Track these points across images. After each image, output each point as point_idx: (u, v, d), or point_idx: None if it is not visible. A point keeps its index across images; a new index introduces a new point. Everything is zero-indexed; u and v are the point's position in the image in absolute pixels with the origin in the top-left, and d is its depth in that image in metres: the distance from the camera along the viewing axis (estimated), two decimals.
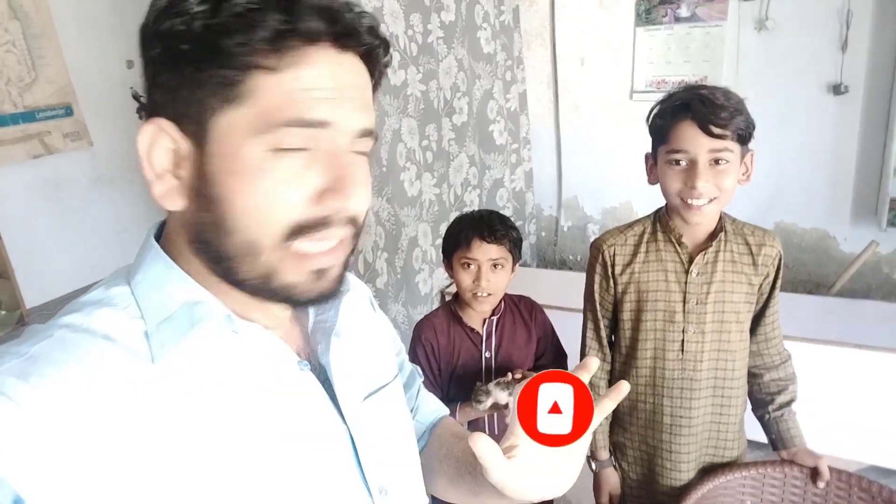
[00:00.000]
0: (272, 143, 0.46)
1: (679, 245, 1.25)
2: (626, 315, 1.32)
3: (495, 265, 1.39)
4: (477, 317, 1.46)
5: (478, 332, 1.47)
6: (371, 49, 0.51)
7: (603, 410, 0.58)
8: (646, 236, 1.29)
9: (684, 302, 1.25)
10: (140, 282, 0.51)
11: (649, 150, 1.26)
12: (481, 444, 0.53)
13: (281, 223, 0.47)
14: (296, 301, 0.52)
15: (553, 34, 3.30)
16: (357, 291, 0.71)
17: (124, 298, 0.50)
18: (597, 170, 3.40)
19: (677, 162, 1.14)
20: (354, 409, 0.59)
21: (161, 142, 0.48)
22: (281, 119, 0.46)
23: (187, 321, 0.49)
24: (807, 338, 2.18)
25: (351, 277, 0.69)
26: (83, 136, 2.63)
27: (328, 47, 0.48)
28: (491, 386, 1.37)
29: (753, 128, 1.15)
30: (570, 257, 3.63)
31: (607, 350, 1.39)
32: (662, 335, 1.27)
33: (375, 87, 0.55)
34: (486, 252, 1.37)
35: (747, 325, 1.28)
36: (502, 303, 1.47)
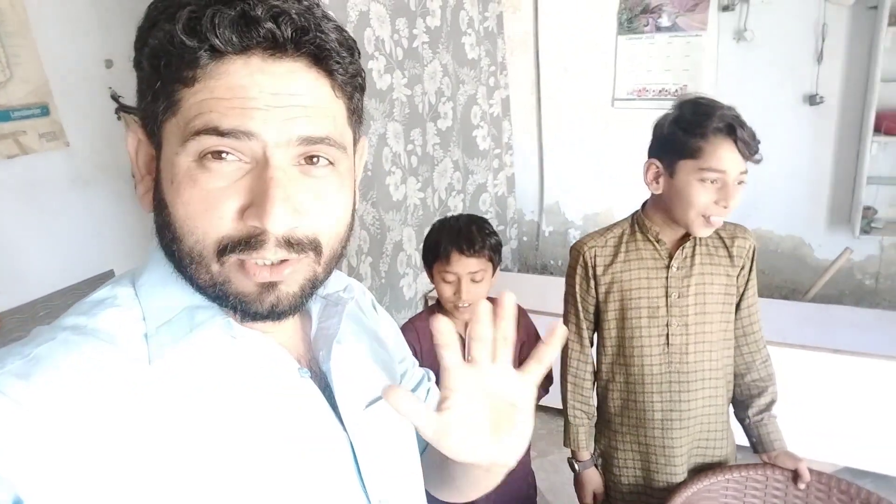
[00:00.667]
0: (195, 152, 0.46)
1: (658, 243, 1.29)
2: (611, 315, 1.35)
3: (475, 277, 1.39)
4: (460, 321, 1.47)
5: (461, 336, 1.47)
6: (318, 56, 0.48)
7: (542, 357, 0.56)
8: (625, 237, 1.33)
9: (667, 296, 1.29)
10: (144, 284, 0.52)
11: (646, 157, 1.27)
12: (394, 396, 0.49)
13: (212, 236, 0.47)
14: (248, 313, 0.49)
15: (536, 41, 3.32)
16: (359, 299, 0.71)
17: (128, 300, 0.51)
18: (578, 176, 3.43)
19: (713, 181, 1.16)
20: (356, 417, 0.58)
21: (142, 147, 0.51)
22: (195, 126, 0.46)
23: (186, 325, 0.49)
24: (782, 342, 2.23)
25: (354, 283, 0.68)
26: (59, 136, 2.57)
27: (254, 56, 0.46)
28: None
29: None
30: (552, 262, 3.65)
31: (588, 350, 1.42)
32: (648, 331, 1.31)
33: (351, 95, 0.52)
34: (465, 266, 1.37)
35: (730, 316, 1.32)
36: None
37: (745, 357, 1.37)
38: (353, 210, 0.56)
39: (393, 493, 0.60)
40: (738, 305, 1.33)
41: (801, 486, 1.31)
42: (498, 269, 1.46)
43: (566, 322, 1.41)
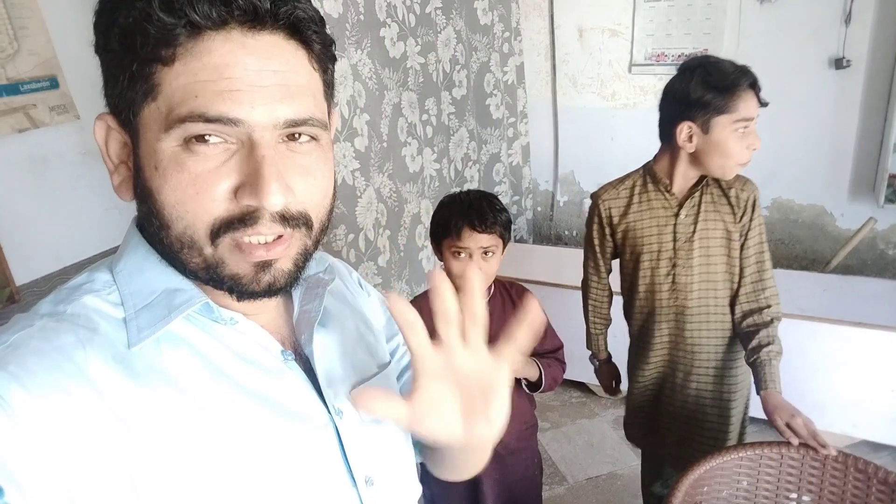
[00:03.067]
0: (180, 137, 0.45)
1: (668, 193, 1.46)
2: (626, 257, 1.55)
3: (486, 252, 1.37)
4: None
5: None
6: (294, 27, 0.47)
7: (516, 338, 0.55)
8: (637, 188, 1.51)
9: (674, 241, 1.46)
10: (122, 269, 0.52)
11: (671, 121, 1.38)
12: (364, 400, 0.47)
13: (204, 219, 0.46)
14: (244, 293, 0.50)
15: (551, 4, 3.22)
16: (344, 279, 0.70)
17: (106, 285, 0.51)
18: (594, 144, 3.36)
19: (743, 128, 1.31)
20: (339, 399, 0.58)
21: (112, 134, 0.49)
22: (181, 114, 0.44)
23: (165, 308, 0.49)
24: (801, 314, 2.20)
25: (337, 263, 0.68)
26: (69, 109, 2.55)
27: (233, 30, 0.45)
28: None
29: None
30: (566, 232, 3.61)
31: (606, 280, 1.67)
32: (657, 271, 1.50)
33: (325, 67, 0.52)
34: (476, 241, 1.34)
35: (734, 259, 1.46)
36: (493, 286, 1.46)
37: (748, 296, 1.47)
38: (335, 183, 0.56)
39: (379, 471, 0.60)
40: (743, 247, 1.45)
41: (795, 441, 1.28)
42: (507, 245, 1.44)
43: (586, 262, 1.66)
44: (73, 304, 0.48)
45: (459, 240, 1.34)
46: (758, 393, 1.39)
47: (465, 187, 2.94)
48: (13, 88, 2.33)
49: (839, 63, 2.66)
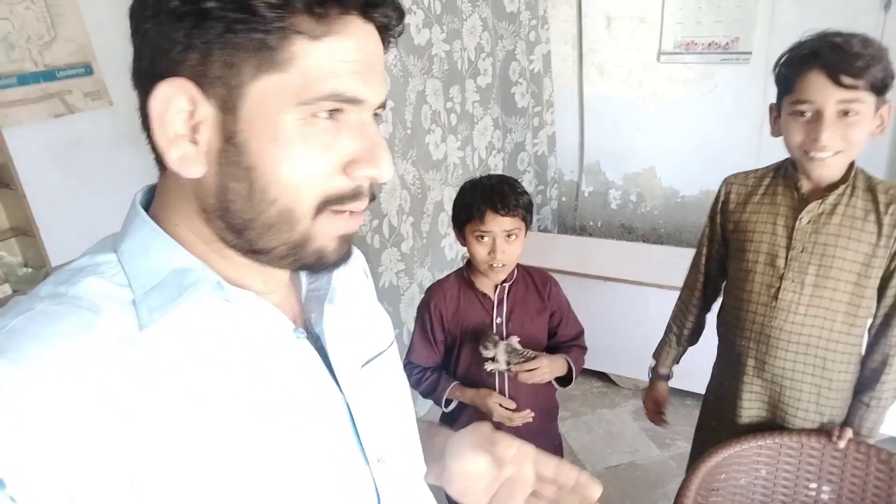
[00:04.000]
0: (308, 112, 0.45)
1: (796, 190, 1.22)
2: (733, 252, 1.34)
3: (509, 235, 1.37)
4: (489, 283, 1.46)
5: (489, 298, 1.46)
6: (390, 22, 0.50)
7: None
8: (766, 180, 1.28)
9: (788, 248, 1.22)
10: (127, 249, 0.49)
11: (773, 101, 1.22)
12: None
13: (314, 193, 0.47)
14: (320, 266, 0.52)
15: None
16: (353, 257, 0.71)
17: (111, 266, 0.48)
18: (620, 134, 3.33)
19: (802, 113, 1.11)
20: (351, 377, 0.58)
21: (176, 103, 0.45)
22: (322, 91, 0.45)
23: (176, 288, 0.47)
24: None
25: None
26: (103, 95, 2.60)
27: (358, 17, 0.47)
28: (501, 345, 1.38)
29: (893, 77, 1.09)
30: (591, 223, 3.59)
31: (700, 284, 1.46)
32: (760, 278, 1.26)
33: None
34: (500, 224, 1.35)
35: (868, 292, 1.21)
36: (515, 270, 1.46)
37: (881, 345, 1.25)
38: None
39: (390, 450, 0.60)
40: (886, 282, 1.20)
41: (841, 444, 1.26)
42: (529, 228, 1.44)
43: (697, 246, 1.45)
44: (75, 286, 0.46)
45: (483, 223, 1.35)
46: (844, 423, 1.29)
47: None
48: (50, 75, 2.40)
49: None
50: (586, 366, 2.72)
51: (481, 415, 1.47)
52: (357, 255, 0.72)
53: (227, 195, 0.47)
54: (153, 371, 0.45)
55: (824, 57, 1.06)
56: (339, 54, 0.45)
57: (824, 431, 1.29)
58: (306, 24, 0.44)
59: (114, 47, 2.71)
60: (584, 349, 1.56)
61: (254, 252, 0.49)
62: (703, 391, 1.54)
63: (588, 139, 3.44)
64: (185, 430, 0.45)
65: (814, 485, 1.35)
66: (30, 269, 2.21)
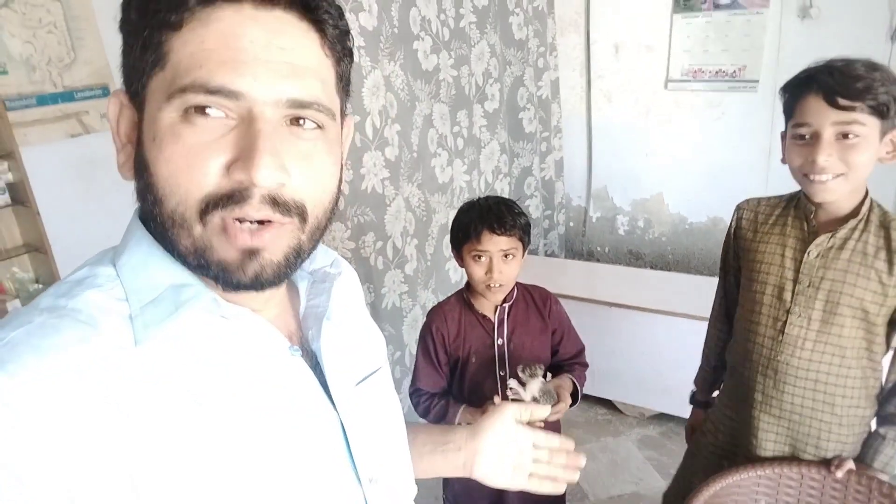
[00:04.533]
0: (180, 108, 0.44)
1: (807, 222, 1.19)
2: (742, 282, 1.33)
3: (506, 255, 1.37)
4: (489, 305, 1.45)
5: (490, 320, 1.45)
6: (307, 6, 0.47)
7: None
8: (778, 210, 1.27)
9: (795, 282, 1.20)
10: (125, 263, 0.49)
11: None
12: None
13: (194, 193, 0.45)
14: (230, 283, 0.48)
15: (588, 20, 3.24)
16: (348, 276, 0.69)
17: (109, 280, 0.48)
18: (628, 160, 3.34)
19: (802, 136, 1.10)
20: (346, 395, 0.57)
21: (124, 111, 0.48)
22: (182, 83, 0.44)
23: (172, 304, 0.47)
24: None
25: (342, 261, 0.67)
26: None
27: (245, 3, 0.45)
28: (538, 381, 1.34)
29: None
30: (598, 248, 3.59)
31: (724, 304, 1.45)
32: (767, 310, 1.24)
33: (341, 57, 0.52)
34: (496, 244, 1.35)
35: (879, 328, 1.17)
36: (515, 290, 1.46)
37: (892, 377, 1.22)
38: (339, 184, 0.54)
39: (382, 471, 0.60)
40: None
41: (839, 474, 1.23)
42: (527, 249, 1.44)
43: (719, 274, 1.46)
44: (74, 299, 0.46)
45: (479, 243, 1.35)
46: (857, 459, 1.25)
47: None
48: (68, 96, 2.46)
49: None
50: (591, 392, 2.72)
51: None
52: (352, 273, 0.72)
53: (140, 195, 0.48)
54: (153, 379, 0.45)
55: (820, 79, 1.06)
56: (204, 44, 0.44)
57: (824, 462, 1.27)
58: (173, 16, 0.44)
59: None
60: (585, 366, 1.55)
61: (180, 260, 0.48)
62: None
63: (596, 165, 3.46)
64: (185, 430, 0.45)
65: None
66: (40, 286, 2.25)
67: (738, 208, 1.34)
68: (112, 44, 2.61)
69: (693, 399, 1.59)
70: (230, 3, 0.44)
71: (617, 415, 2.75)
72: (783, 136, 1.20)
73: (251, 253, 0.47)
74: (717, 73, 2.96)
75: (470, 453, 0.79)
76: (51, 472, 0.39)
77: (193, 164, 0.44)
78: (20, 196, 2.08)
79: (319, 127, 0.49)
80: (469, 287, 1.48)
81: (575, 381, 1.47)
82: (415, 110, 2.22)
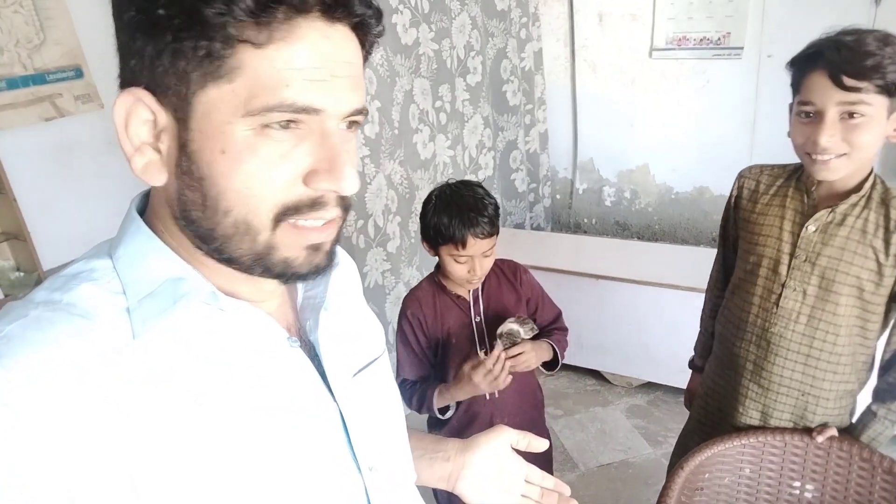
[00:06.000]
0: (260, 122, 0.44)
1: (807, 195, 1.18)
2: (739, 251, 1.31)
3: (487, 254, 1.36)
4: (465, 290, 1.44)
5: (464, 299, 1.44)
6: (364, 20, 0.48)
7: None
8: (780, 180, 1.24)
9: (792, 256, 1.19)
10: (122, 256, 0.49)
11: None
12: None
13: (270, 205, 0.46)
14: (291, 276, 0.50)
15: None
16: (345, 266, 0.70)
17: (106, 273, 0.48)
18: (613, 131, 3.32)
19: (807, 114, 1.07)
20: (344, 385, 0.58)
21: (139, 112, 0.45)
22: (269, 102, 0.43)
23: (170, 297, 0.47)
24: None
25: (339, 251, 0.67)
26: (94, 98, 2.61)
27: (317, 19, 0.44)
28: (503, 335, 1.37)
29: None
30: (585, 220, 3.59)
31: (722, 274, 1.44)
32: (763, 282, 1.23)
33: (366, 59, 0.52)
34: (480, 247, 1.33)
35: (875, 306, 1.16)
36: None
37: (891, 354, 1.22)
38: None
39: (382, 459, 0.61)
40: None
41: (819, 439, 1.25)
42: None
43: (718, 242, 1.45)
44: (69, 292, 0.46)
45: (464, 248, 1.32)
46: (847, 428, 1.27)
47: (480, 174, 2.94)
48: (40, 78, 2.40)
49: None
50: (580, 364, 2.75)
51: (471, 417, 1.46)
52: (350, 263, 0.72)
53: (186, 205, 0.47)
54: (152, 374, 0.45)
55: (827, 57, 1.01)
56: (289, 62, 0.43)
57: (807, 430, 1.29)
58: (250, 32, 0.42)
59: (104, 50, 2.71)
60: (565, 330, 1.55)
61: (226, 261, 0.48)
62: None
63: (581, 136, 3.44)
64: (185, 428, 0.45)
65: (797, 483, 1.34)
66: (22, 274, 2.23)
67: (740, 176, 1.31)
68: (83, 23, 2.54)
69: (691, 364, 1.60)
70: (305, 19, 0.44)
71: (605, 385, 2.78)
72: (791, 108, 1.16)
73: (316, 248, 0.50)
74: (701, 40, 2.93)
75: (457, 466, 0.77)
76: (51, 472, 0.39)
77: (272, 176, 0.45)
78: None
79: (357, 122, 0.51)
80: (439, 270, 1.46)
81: (553, 345, 1.47)
82: (395, 86, 2.19)
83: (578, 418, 2.59)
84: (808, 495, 1.34)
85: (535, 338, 1.46)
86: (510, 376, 1.34)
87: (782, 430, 1.31)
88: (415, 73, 2.30)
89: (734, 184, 1.32)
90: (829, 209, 1.14)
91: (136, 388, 0.44)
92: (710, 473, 1.35)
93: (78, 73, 2.49)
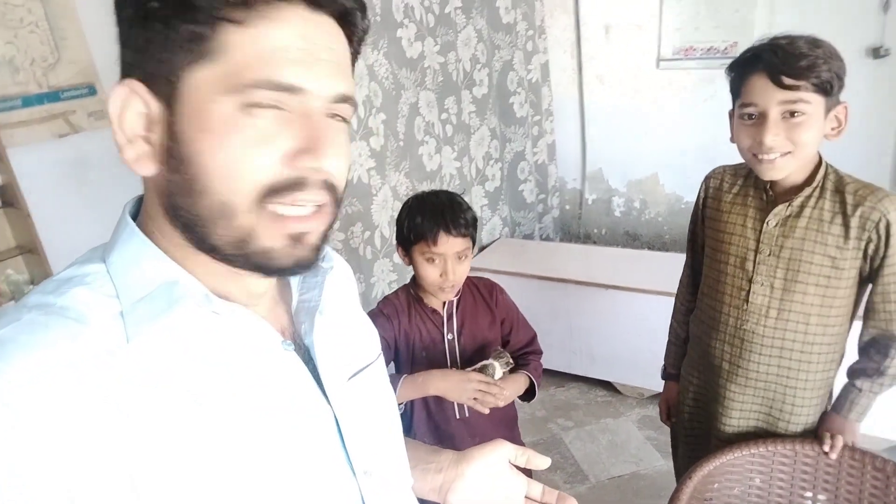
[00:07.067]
0: (242, 101, 0.44)
1: (765, 192, 1.21)
2: (706, 251, 1.34)
3: (460, 257, 1.33)
4: (439, 301, 1.41)
5: (439, 314, 1.41)
6: (346, 12, 0.49)
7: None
8: (740, 179, 1.28)
9: (756, 251, 1.22)
10: (115, 260, 0.49)
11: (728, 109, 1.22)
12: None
13: (252, 184, 0.46)
14: (271, 268, 0.49)
15: (576, 1, 3.20)
16: (341, 269, 0.69)
17: (99, 277, 0.48)
18: (622, 141, 3.32)
19: (750, 116, 1.11)
20: (339, 389, 0.57)
21: (133, 104, 0.46)
22: (251, 79, 0.44)
23: (164, 301, 0.47)
24: None
25: (335, 255, 0.66)
26: (106, 115, 2.65)
27: (299, 5, 0.46)
28: (500, 364, 1.35)
29: (841, 77, 1.08)
30: (595, 231, 3.57)
31: (693, 276, 1.45)
32: (731, 280, 1.26)
33: (356, 54, 0.53)
34: (452, 246, 1.31)
35: (840, 293, 1.18)
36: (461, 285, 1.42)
37: (870, 333, 1.24)
38: None
39: (377, 463, 0.60)
40: (874, 282, 1.17)
41: (833, 455, 1.24)
42: (476, 245, 1.41)
43: (687, 247, 1.46)
44: (62, 296, 0.45)
45: (435, 245, 1.30)
46: (832, 410, 1.27)
47: (487, 185, 2.94)
48: (54, 96, 2.46)
49: (877, 52, 2.56)
50: (591, 375, 2.72)
51: (440, 436, 1.41)
52: (345, 267, 0.72)
53: (173, 189, 0.47)
54: (151, 374, 0.45)
55: (765, 59, 1.07)
56: (273, 41, 0.44)
57: (818, 440, 1.26)
58: (236, 12, 0.44)
59: (117, 67, 2.78)
60: (539, 354, 1.51)
61: (209, 250, 0.49)
62: None
63: (590, 147, 3.43)
64: (186, 429, 0.45)
65: (809, 493, 1.32)
66: (34, 287, 2.27)
67: (707, 178, 1.35)
68: (96, 42, 2.59)
69: (665, 373, 1.60)
70: (288, 4, 0.45)
71: (616, 396, 2.75)
72: (731, 115, 1.20)
73: (297, 238, 0.49)
74: (708, 50, 2.93)
75: (450, 477, 0.74)
76: (51, 472, 0.39)
77: (256, 153, 0.45)
78: (10, 198, 2.08)
79: (344, 120, 0.51)
80: (415, 282, 1.43)
81: (531, 376, 1.44)
82: (400, 99, 2.21)
83: (589, 430, 2.56)
84: None
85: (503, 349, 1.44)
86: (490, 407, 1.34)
87: (792, 438, 1.29)
88: (420, 85, 2.32)
89: (701, 185, 1.36)
90: (787, 203, 1.18)
91: (136, 388, 0.44)
92: (719, 483, 1.33)
93: (91, 90, 2.55)
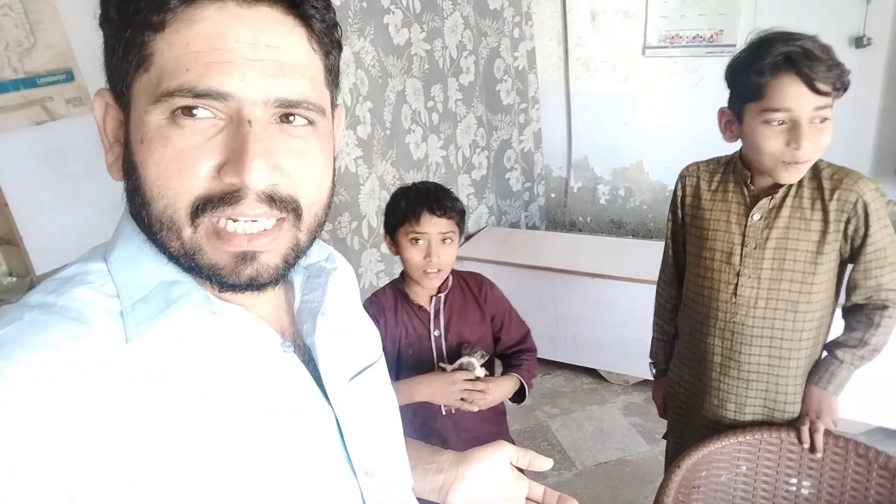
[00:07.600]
0: (167, 110, 0.43)
1: (746, 187, 1.22)
2: (690, 248, 1.35)
3: (444, 239, 1.32)
4: (424, 294, 1.40)
5: (425, 310, 1.39)
6: (293, 2, 0.46)
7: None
8: (717, 175, 1.29)
9: (742, 245, 1.23)
10: (116, 259, 0.49)
11: (724, 104, 1.21)
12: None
13: (184, 195, 0.44)
14: (224, 284, 0.47)
15: None
16: (343, 270, 0.69)
17: (100, 276, 0.48)
18: (607, 129, 3.32)
19: (780, 122, 1.08)
20: (340, 390, 0.57)
21: (109, 111, 0.48)
22: (169, 86, 0.43)
23: (163, 301, 0.47)
24: None
25: (338, 256, 0.66)
26: (85, 101, 2.60)
27: (228, 2, 0.43)
28: (466, 360, 1.34)
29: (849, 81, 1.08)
30: (580, 219, 3.58)
31: (672, 277, 1.46)
32: (719, 275, 1.27)
33: (329, 48, 0.50)
34: (436, 226, 1.30)
35: (824, 277, 1.20)
36: (450, 278, 1.41)
37: (852, 308, 1.26)
38: (333, 177, 0.53)
39: (378, 464, 0.60)
40: (856, 260, 1.19)
41: (818, 455, 1.27)
42: (462, 236, 1.39)
43: (665, 244, 1.46)
44: (64, 295, 0.45)
45: (419, 224, 1.29)
46: (809, 381, 1.29)
47: (474, 174, 2.93)
48: (30, 82, 2.38)
49: (860, 41, 2.58)
50: (576, 362, 2.75)
51: (427, 432, 1.40)
52: (347, 268, 0.71)
53: (129, 197, 0.48)
54: (151, 374, 0.45)
55: (800, 63, 1.03)
56: (189, 45, 0.42)
57: (797, 431, 1.29)
58: (156, 17, 0.42)
59: (95, 53, 2.71)
60: (532, 351, 1.50)
61: (172, 260, 0.48)
62: None
63: (575, 135, 3.43)
64: (186, 429, 0.45)
65: (794, 480, 1.35)
66: (14, 279, 2.21)
67: (682, 176, 1.35)
68: (74, 26, 2.52)
69: (657, 371, 1.59)
70: (213, 2, 0.43)
71: (602, 383, 2.78)
72: (725, 113, 1.19)
73: (246, 256, 0.47)
74: (694, 38, 2.93)
75: (450, 478, 0.73)
76: (51, 472, 0.39)
77: (183, 167, 0.44)
78: None
79: (310, 123, 0.48)
80: (403, 277, 1.43)
81: (521, 378, 1.42)
82: (387, 87, 2.18)
83: (575, 417, 2.58)
84: (804, 492, 1.34)
85: (501, 360, 1.42)
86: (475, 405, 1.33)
87: (778, 426, 1.31)
88: (406, 73, 2.30)
89: (677, 184, 1.36)
90: (770, 197, 1.19)
91: (136, 388, 0.43)
92: (706, 471, 1.35)
93: (69, 76, 2.48)
